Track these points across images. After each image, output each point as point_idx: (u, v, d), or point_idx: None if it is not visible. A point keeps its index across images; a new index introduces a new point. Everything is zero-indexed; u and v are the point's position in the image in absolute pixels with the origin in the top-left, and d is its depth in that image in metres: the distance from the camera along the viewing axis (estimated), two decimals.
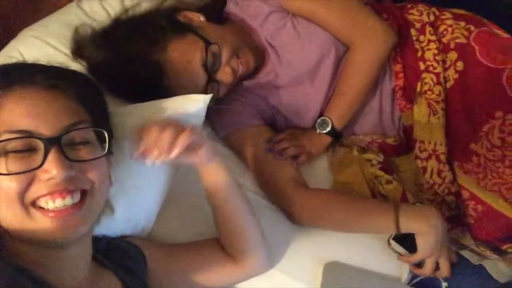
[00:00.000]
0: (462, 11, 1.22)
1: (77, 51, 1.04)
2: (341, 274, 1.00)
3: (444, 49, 1.15)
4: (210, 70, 1.04)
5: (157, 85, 1.00)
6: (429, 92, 1.13)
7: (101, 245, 0.81)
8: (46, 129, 0.64)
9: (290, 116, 1.19)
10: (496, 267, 1.00)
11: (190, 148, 0.79)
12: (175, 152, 0.75)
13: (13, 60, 0.77)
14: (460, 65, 1.13)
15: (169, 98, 0.91)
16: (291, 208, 1.07)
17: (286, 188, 1.07)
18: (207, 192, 0.90)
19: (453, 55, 1.14)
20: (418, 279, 1.01)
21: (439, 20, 1.19)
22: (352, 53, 1.13)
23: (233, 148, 1.17)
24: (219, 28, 1.12)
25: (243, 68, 1.10)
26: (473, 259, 1.02)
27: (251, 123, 1.15)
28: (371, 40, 1.11)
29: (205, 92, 1.03)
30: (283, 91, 1.18)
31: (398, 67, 1.17)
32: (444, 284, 0.98)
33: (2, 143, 0.62)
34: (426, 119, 1.13)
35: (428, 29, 1.17)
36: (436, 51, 1.14)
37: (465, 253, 1.04)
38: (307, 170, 1.16)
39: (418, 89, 1.14)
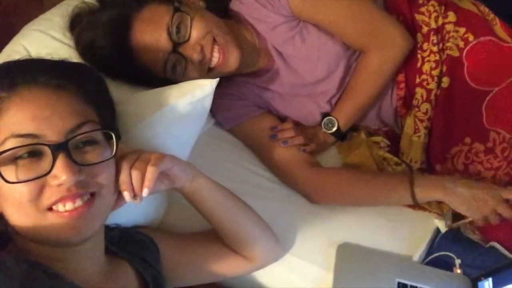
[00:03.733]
0: (471, 7, 1.12)
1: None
2: (354, 255, 1.00)
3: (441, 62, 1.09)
4: (174, 38, 0.96)
5: (124, 38, 0.96)
6: (416, 109, 1.10)
7: (113, 235, 0.81)
8: (52, 133, 0.63)
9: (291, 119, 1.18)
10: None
11: (164, 175, 0.76)
12: (145, 192, 0.72)
13: (18, 56, 0.74)
14: (445, 81, 1.08)
15: (174, 85, 0.90)
16: (307, 189, 1.08)
17: (299, 171, 1.08)
18: (197, 209, 0.87)
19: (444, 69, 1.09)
20: (432, 256, 1.01)
21: (443, 24, 1.11)
22: (367, 59, 1.09)
23: (240, 139, 1.17)
24: (213, 16, 1.04)
25: (220, 57, 1.00)
26: (483, 242, 1.02)
27: (253, 115, 1.15)
28: (387, 47, 1.07)
29: (165, 64, 0.98)
30: (285, 98, 1.16)
31: (400, 77, 1.13)
32: (458, 261, 0.98)
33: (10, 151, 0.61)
34: (411, 134, 1.11)
35: (432, 37, 1.10)
36: (434, 65, 1.09)
37: (475, 238, 1.03)
38: (315, 155, 1.16)
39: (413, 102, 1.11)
